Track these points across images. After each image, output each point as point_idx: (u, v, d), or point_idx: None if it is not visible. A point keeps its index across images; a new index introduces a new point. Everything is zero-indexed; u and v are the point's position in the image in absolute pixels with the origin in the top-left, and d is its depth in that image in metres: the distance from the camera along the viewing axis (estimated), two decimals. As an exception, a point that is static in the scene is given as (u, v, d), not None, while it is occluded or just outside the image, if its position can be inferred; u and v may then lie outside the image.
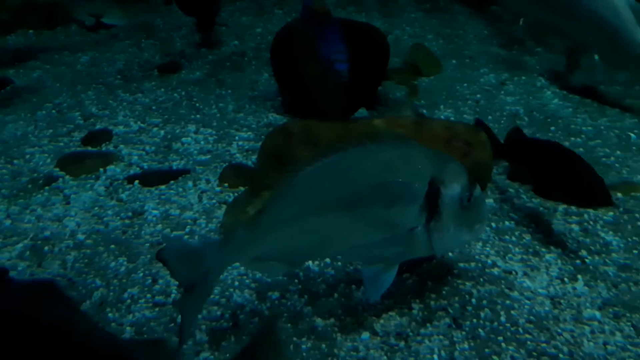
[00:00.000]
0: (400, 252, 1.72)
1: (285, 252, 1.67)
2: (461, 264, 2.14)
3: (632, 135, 3.06)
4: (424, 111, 3.41)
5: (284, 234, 1.64)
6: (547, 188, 2.23)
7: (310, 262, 2.14)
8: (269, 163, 2.55)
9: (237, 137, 3.11)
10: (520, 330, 1.88)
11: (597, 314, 1.96)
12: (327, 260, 2.14)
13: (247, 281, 2.06)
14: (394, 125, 2.48)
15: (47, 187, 2.66)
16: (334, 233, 1.67)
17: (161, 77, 3.87)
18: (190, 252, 1.67)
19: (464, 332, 1.86)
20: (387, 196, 1.65)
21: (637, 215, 2.44)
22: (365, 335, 1.85)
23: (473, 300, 1.99)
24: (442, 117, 3.36)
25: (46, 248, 2.26)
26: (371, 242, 1.67)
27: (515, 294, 2.03)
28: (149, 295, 2.00)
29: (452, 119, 3.33)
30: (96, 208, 2.51)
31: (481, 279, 2.08)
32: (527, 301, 2.00)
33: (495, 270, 2.14)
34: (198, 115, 3.40)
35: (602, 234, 2.33)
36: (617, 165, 2.81)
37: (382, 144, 1.74)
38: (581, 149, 2.95)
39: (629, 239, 2.30)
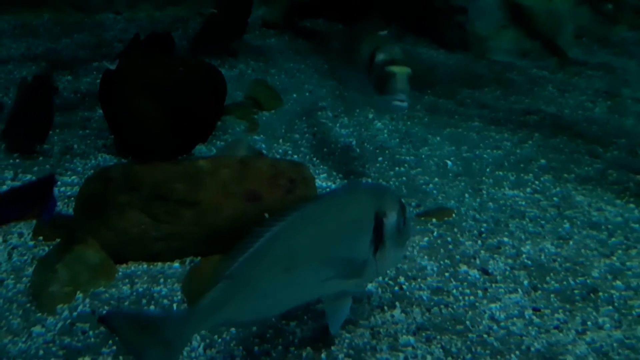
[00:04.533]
0: (353, 284, 1.86)
1: (254, 313, 1.71)
2: (286, 303, 2.15)
3: (449, 162, 3.33)
4: (263, 145, 3.44)
5: (252, 296, 1.68)
6: None
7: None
8: (86, 212, 2.39)
9: (59, 183, 2.89)
10: (339, 365, 1.92)
11: (412, 339, 2.07)
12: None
13: (53, 349, 1.89)
14: (219, 165, 2.46)
15: None
16: (303, 286, 1.77)
17: (-22, 118, 3.52)
18: (143, 320, 1.64)
19: (284, 375, 1.86)
20: (346, 240, 1.80)
21: (449, 239, 2.64)
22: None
23: (296, 340, 2.00)
24: (280, 150, 3.41)
25: None
26: (334, 284, 1.80)
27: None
28: None
29: (289, 152, 3.39)
30: None
31: (305, 317, 2.10)
32: (347, 334, 2.06)
33: (319, 306, 2.17)
34: (17, 160, 3.12)
35: (419, 259, 2.48)
36: (434, 192, 3.04)
37: (328, 195, 1.97)
38: (404, 178, 3.16)
39: (442, 262, 2.48)
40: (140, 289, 2.24)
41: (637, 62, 5.24)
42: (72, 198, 2.75)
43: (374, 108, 2.97)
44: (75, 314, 2.05)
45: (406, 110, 3.09)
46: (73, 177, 2.97)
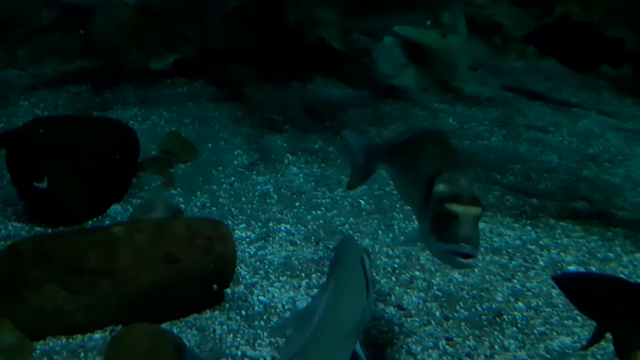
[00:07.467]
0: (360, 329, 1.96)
1: None
2: (211, 362, 2.18)
3: (362, 202, 3.50)
4: (180, 200, 3.46)
5: None
6: None
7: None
8: (-4, 291, 2.32)
9: (-35, 260, 2.76)
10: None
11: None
12: None
13: None
14: (133, 230, 2.47)
15: None
16: (349, 351, 1.87)
17: None
18: None
19: None
20: (362, 295, 1.94)
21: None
22: None
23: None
24: (198, 203, 3.44)
25: None
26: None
27: (262, 382, 2.13)
28: None
29: (207, 204, 3.43)
30: None
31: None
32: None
33: (245, 361, 2.22)
34: None
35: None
36: (350, 231, 3.18)
37: (340, 258, 1.99)
38: (321, 221, 3.29)
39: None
40: (60, 366, 2.19)
41: (527, 91, 5.74)
42: (-20, 275, 2.64)
43: (430, 252, 2.16)
44: (-11, 402, 1.97)
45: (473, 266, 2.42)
46: (-20, 252, 2.85)
